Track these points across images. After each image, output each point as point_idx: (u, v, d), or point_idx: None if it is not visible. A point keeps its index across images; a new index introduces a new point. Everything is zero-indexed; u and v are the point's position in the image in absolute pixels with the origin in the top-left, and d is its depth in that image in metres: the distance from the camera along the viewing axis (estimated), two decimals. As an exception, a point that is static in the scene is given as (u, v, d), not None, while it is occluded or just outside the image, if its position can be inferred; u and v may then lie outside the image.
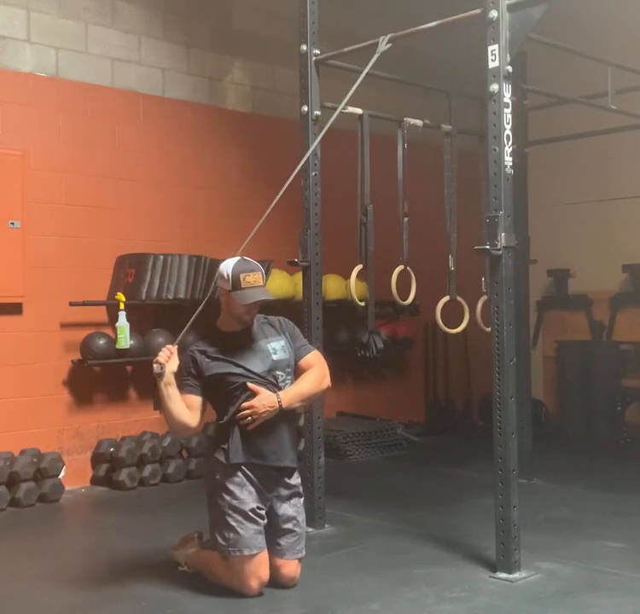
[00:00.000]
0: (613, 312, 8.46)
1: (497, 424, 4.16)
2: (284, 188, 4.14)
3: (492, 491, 4.17)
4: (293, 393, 3.93)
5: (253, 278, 3.90)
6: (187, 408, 3.88)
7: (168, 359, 3.86)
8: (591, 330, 8.62)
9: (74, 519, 5.70)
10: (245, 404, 3.85)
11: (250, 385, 3.87)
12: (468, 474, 6.49)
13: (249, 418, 3.84)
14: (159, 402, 3.97)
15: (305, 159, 4.53)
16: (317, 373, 4.05)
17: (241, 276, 3.87)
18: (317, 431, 5.02)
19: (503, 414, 4.14)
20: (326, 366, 4.14)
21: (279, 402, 3.85)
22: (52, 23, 6.26)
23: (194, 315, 4.03)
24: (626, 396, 7.78)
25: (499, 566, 4.12)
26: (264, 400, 3.84)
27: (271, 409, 3.84)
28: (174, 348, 3.92)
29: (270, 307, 4.19)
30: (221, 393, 3.92)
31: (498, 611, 3.72)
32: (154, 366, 3.86)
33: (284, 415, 3.95)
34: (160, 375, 3.84)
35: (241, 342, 3.98)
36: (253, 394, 3.86)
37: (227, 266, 3.93)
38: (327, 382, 4.10)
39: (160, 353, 3.88)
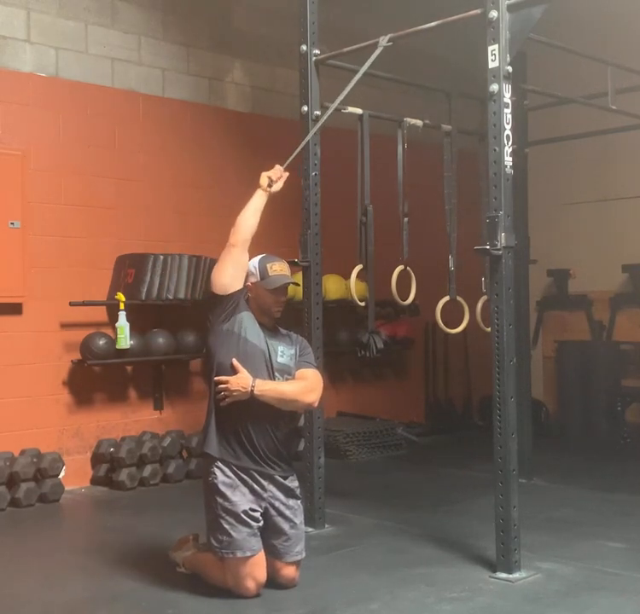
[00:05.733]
0: (613, 312, 8.46)
1: (497, 424, 4.16)
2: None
3: (492, 491, 4.18)
4: (270, 386, 3.88)
5: (279, 267, 4.09)
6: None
7: (278, 179, 4.11)
8: (591, 330, 8.63)
9: (74, 519, 5.69)
10: (221, 378, 3.86)
11: (234, 362, 3.87)
12: (468, 474, 6.49)
13: (222, 393, 3.84)
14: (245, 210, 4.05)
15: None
16: (305, 383, 4.00)
17: (268, 265, 4.06)
18: (317, 431, 5.02)
19: (503, 414, 4.14)
20: (319, 385, 4.05)
21: (252, 386, 3.82)
22: (52, 23, 6.26)
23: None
24: (626, 396, 7.78)
25: (499, 566, 4.13)
26: (240, 379, 3.83)
27: (243, 390, 3.82)
28: (285, 173, 4.14)
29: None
30: (223, 354, 3.91)
31: (498, 611, 3.72)
32: (265, 178, 4.06)
33: (269, 421, 3.92)
34: (267, 188, 4.05)
35: (264, 331, 4.01)
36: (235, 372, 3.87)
37: (253, 261, 4.08)
38: (312, 398, 3.99)
39: (274, 170, 4.12)
